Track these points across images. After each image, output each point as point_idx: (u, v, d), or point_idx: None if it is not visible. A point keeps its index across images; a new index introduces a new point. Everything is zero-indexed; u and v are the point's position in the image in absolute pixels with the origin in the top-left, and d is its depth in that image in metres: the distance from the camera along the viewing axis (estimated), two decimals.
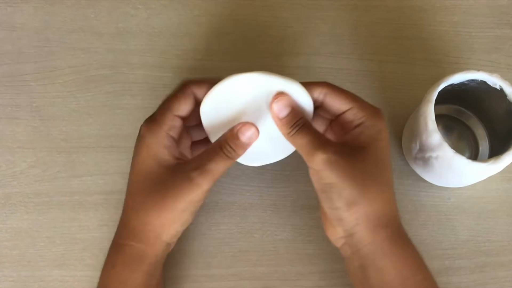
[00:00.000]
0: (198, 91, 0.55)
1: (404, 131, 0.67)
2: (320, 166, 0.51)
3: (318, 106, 0.57)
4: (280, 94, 0.54)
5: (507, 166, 0.58)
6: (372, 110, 0.55)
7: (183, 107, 0.55)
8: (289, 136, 0.54)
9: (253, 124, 0.55)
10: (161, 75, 0.70)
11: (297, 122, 0.54)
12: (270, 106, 0.55)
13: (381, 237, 0.52)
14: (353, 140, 0.54)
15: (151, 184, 0.53)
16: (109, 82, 0.70)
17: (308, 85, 0.55)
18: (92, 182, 0.66)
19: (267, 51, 0.72)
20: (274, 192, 0.66)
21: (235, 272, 0.64)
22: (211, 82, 0.55)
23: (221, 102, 0.55)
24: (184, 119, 0.56)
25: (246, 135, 0.55)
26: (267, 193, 0.66)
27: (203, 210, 0.65)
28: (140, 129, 0.55)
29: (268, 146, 0.58)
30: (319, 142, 0.52)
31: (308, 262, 0.64)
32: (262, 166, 0.59)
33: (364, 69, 0.72)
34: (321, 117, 0.59)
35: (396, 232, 0.54)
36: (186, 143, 0.59)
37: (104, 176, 0.67)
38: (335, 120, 0.57)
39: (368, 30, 0.74)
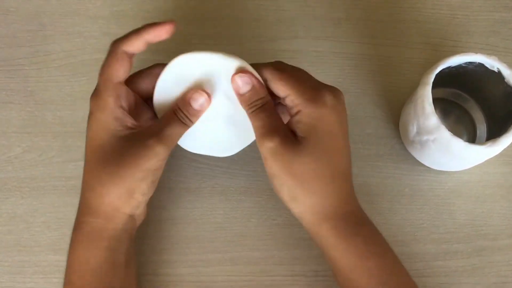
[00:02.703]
0: (128, 47, 0.52)
1: (401, 115, 0.67)
2: (265, 153, 0.52)
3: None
4: (243, 70, 0.53)
5: (504, 150, 0.57)
6: (311, 96, 0.52)
7: (121, 71, 0.53)
8: (248, 114, 0.53)
9: (204, 91, 0.54)
10: (155, 59, 0.68)
11: (255, 101, 0.53)
12: (231, 79, 0.53)
13: (325, 229, 0.52)
14: (294, 129, 0.53)
15: (105, 156, 0.52)
16: None
17: (257, 67, 0.54)
18: None
19: (263, 35, 0.72)
20: None
21: (232, 257, 0.63)
22: (135, 33, 0.52)
23: (175, 83, 0.55)
24: (127, 82, 0.54)
25: (198, 101, 0.54)
26: (264, 178, 0.66)
27: (198, 194, 0.65)
28: (90, 105, 0.54)
29: (229, 133, 0.57)
30: (270, 128, 0.52)
31: (305, 247, 0.64)
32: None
33: (361, 53, 0.71)
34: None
35: (343, 223, 0.53)
36: (146, 115, 0.57)
37: None
38: (284, 106, 0.55)
39: (365, 14, 0.73)
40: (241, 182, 0.66)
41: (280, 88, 0.53)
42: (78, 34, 0.71)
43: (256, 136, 0.53)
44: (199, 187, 0.65)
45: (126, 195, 0.53)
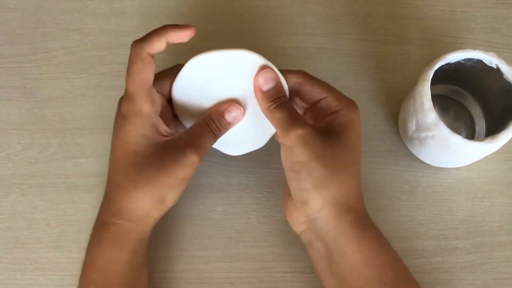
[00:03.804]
0: (151, 49, 0.53)
1: (400, 111, 0.67)
2: (293, 142, 0.51)
3: (293, 95, 0.57)
4: (266, 67, 0.54)
5: (503, 146, 0.57)
6: (347, 101, 0.55)
7: (150, 75, 0.53)
8: (268, 110, 0.54)
9: (239, 105, 0.56)
10: (155, 56, 0.69)
11: (279, 97, 0.54)
12: (254, 78, 0.54)
13: (344, 222, 0.52)
14: (327, 126, 0.54)
15: (140, 161, 0.53)
16: (104, 63, 0.70)
17: (284, 72, 0.55)
18: (87, 164, 0.66)
19: (262, 32, 0.72)
20: (270, 173, 0.66)
21: (231, 254, 0.64)
22: (157, 34, 0.53)
23: (193, 82, 0.55)
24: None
25: (232, 114, 0.56)
26: (263, 174, 0.66)
27: (198, 191, 0.65)
28: (121, 108, 0.54)
29: (245, 133, 0.58)
30: (297, 119, 0.52)
31: (304, 243, 0.64)
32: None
33: (360, 49, 0.71)
34: (296, 105, 0.58)
35: (359, 217, 0.54)
36: (168, 115, 0.58)
37: (99, 158, 0.66)
38: (310, 108, 0.57)
39: (364, 10, 0.73)
40: (240, 179, 0.66)
41: (318, 90, 0.55)
42: (78, 31, 0.71)
43: (280, 128, 0.53)
44: (198, 184, 0.65)
45: (158, 201, 0.54)
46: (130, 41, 0.54)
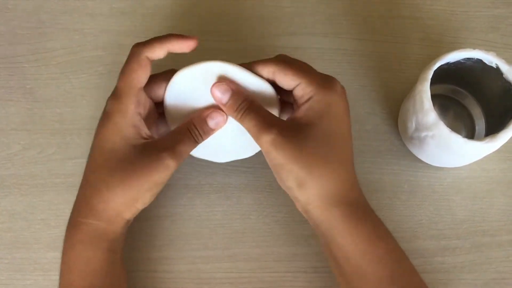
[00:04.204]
0: (151, 53, 0.53)
1: (400, 111, 0.67)
2: (266, 148, 0.52)
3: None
4: (219, 80, 0.54)
5: (503, 146, 0.57)
6: (322, 83, 0.53)
7: (143, 77, 0.54)
8: (238, 120, 0.54)
9: (223, 111, 0.56)
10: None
11: (240, 105, 0.53)
12: (212, 94, 0.55)
13: (334, 215, 0.52)
14: (302, 117, 0.53)
15: (116, 162, 0.52)
16: (103, 63, 0.70)
17: (257, 64, 0.55)
18: None
19: (262, 32, 0.72)
20: (270, 173, 0.65)
21: (231, 254, 0.63)
22: (159, 41, 0.53)
23: (186, 90, 0.56)
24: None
25: (214, 120, 0.55)
26: (263, 174, 0.66)
27: (198, 191, 0.65)
28: (107, 106, 0.54)
29: (232, 141, 0.59)
30: (264, 124, 0.52)
31: (304, 243, 0.64)
32: None
33: (360, 49, 0.71)
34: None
35: (351, 209, 0.53)
36: (151, 120, 0.58)
37: None
38: (292, 96, 0.56)
39: (364, 10, 0.73)
40: (240, 179, 0.66)
41: (290, 78, 0.54)
42: (77, 31, 0.71)
43: (252, 136, 0.53)
44: (198, 184, 0.65)
45: (130, 203, 0.53)
46: (130, 42, 0.54)
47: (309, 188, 0.52)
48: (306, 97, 0.53)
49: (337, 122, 0.53)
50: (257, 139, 0.52)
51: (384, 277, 0.52)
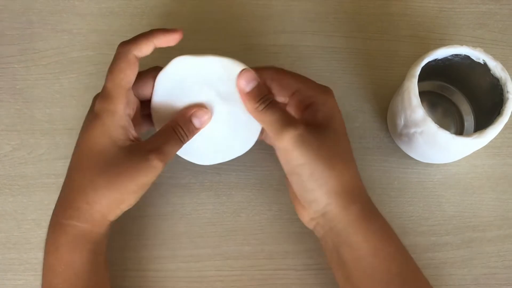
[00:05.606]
0: (138, 51, 0.53)
1: (389, 108, 0.67)
2: (289, 144, 0.51)
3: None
4: (245, 70, 0.54)
5: (492, 141, 0.58)
6: (321, 88, 0.55)
7: (131, 77, 0.53)
8: (257, 111, 0.53)
9: (207, 109, 0.56)
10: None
11: (264, 96, 0.53)
12: (237, 81, 0.54)
13: (352, 213, 0.52)
14: (311, 119, 0.53)
15: (103, 163, 0.52)
16: (93, 63, 0.70)
17: (256, 70, 0.55)
18: None
19: (251, 30, 0.72)
20: (260, 171, 0.66)
21: (222, 252, 0.64)
22: (145, 37, 0.53)
23: (172, 86, 0.56)
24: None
25: (200, 119, 0.55)
26: (253, 173, 0.66)
27: (189, 190, 0.65)
28: (94, 106, 0.53)
29: (226, 138, 0.58)
30: (289, 119, 0.52)
31: (295, 241, 0.64)
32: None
33: (349, 47, 0.72)
34: None
35: (365, 207, 0.54)
36: (138, 120, 0.57)
37: None
38: (288, 103, 0.57)
39: (353, 7, 0.73)
40: (230, 177, 0.66)
41: (290, 83, 0.55)
42: (66, 31, 0.71)
43: (273, 131, 0.52)
44: (188, 182, 0.65)
45: (115, 204, 0.53)
46: (119, 41, 0.54)
47: (331, 187, 0.52)
48: (308, 101, 0.54)
49: (341, 123, 0.55)
50: (279, 134, 0.51)
51: (396, 275, 0.52)
